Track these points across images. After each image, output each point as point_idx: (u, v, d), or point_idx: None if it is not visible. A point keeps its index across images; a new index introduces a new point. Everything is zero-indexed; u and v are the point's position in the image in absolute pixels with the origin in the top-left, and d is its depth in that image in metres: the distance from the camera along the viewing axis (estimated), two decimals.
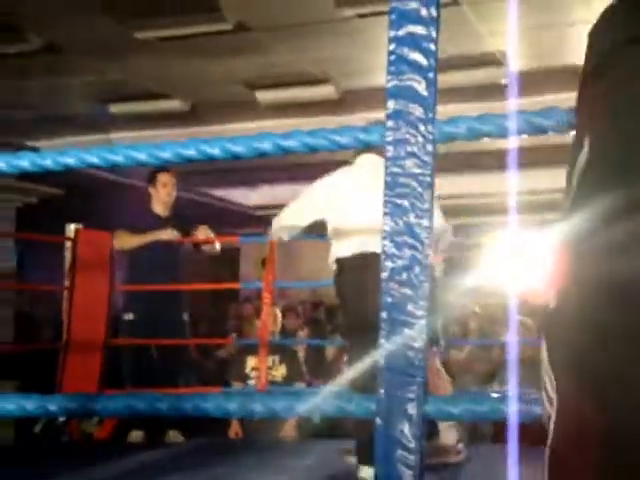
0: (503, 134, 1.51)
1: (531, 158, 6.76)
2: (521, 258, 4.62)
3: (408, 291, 0.96)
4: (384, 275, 0.97)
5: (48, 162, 1.63)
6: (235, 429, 5.67)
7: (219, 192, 9.99)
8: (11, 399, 1.50)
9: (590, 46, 0.83)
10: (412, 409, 0.95)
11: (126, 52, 5.62)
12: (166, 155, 1.59)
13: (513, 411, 1.15)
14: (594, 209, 0.72)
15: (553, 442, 0.75)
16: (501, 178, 6.82)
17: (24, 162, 1.63)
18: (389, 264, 0.97)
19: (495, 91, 6.04)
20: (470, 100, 6.22)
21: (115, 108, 6.82)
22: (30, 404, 1.47)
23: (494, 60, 5.87)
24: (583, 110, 0.80)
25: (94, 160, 1.62)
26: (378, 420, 0.96)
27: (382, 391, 0.96)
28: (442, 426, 3.88)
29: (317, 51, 5.70)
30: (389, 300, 0.97)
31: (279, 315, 5.84)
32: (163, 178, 5.11)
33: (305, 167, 6.59)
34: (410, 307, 0.96)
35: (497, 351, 6.22)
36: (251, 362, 5.85)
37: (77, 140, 7.53)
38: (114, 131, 7.37)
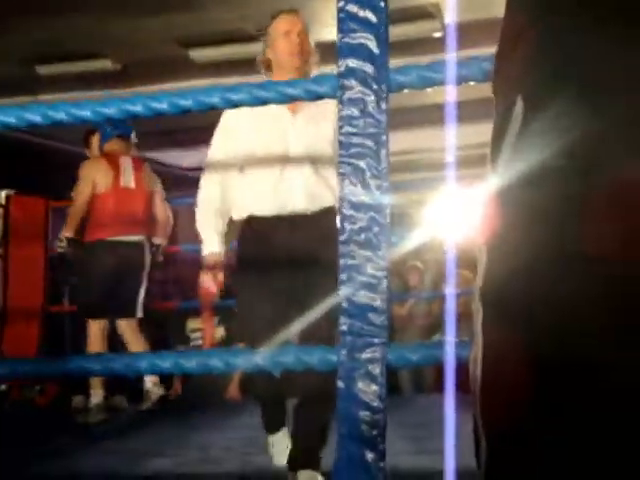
0: (454, 82, 1.50)
1: (468, 112, 6.80)
2: (459, 212, 4.69)
3: (367, 252, 0.95)
4: (342, 237, 0.97)
5: None
6: (176, 388, 5.69)
7: (152, 154, 9.82)
8: None
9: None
10: (375, 369, 0.95)
11: (53, 9, 5.42)
12: (85, 113, 1.54)
13: (449, 357, 1.17)
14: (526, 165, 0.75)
15: (483, 375, 0.78)
16: (438, 133, 6.85)
17: None
18: (347, 225, 0.97)
19: (428, 45, 6.03)
20: (403, 55, 6.21)
21: (43, 69, 6.59)
22: None
23: (427, 13, 5.85)
24: (511, 71, 0.80)
25: (10, 120, 1.55)
26: (340, 382, 0.96)
27: (344, 353, 0.96)
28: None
29: (251, 7, 5.60)
30: (349, 262, 0.96)
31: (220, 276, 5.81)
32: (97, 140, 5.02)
33: None
34: (370, 268, 0.95)
35: (438, 304, 6.33)
36: (191, 324, 5.84)
37: (2, 102, 7.27)
38: (42, 93, 7.13)
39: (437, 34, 6.09)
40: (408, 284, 6.69)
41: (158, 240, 4.74)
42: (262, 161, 2.81)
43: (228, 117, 2.88)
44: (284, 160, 2.79)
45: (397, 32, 5.99)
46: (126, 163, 4.56)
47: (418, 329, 6.42)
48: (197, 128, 4.63)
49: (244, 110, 2.81)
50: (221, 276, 2.91)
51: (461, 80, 1.48)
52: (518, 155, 0.76)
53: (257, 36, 6.33)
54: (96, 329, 4.48)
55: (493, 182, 0.80)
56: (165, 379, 5.21)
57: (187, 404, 5.35)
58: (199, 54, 6.38)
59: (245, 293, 2.86)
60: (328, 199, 2.75)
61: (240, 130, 2.81)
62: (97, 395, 4.51)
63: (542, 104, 0.75)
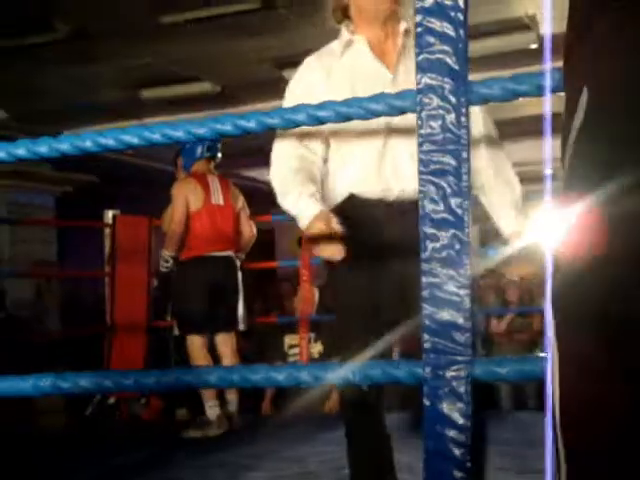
0: (539, 93, 1.47)
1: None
2: (556, 225, 4.58)
3: (450, 270, 0.95)
4: (424, 255, 0.97)
5: (65, 147, 1.61)
6: (266, 407, 5.75)
7: (249, 173, 10.00)
8: (67, 377, 1.49)
9: None
10: (460, 387, 0.95)
11: (153, 36, 5.63)
12: (179, 134, 1.58)
13: (548, 372, 1.14)
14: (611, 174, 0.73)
15: (561, 388, 0.76)
16: (535, 145, 6.71)
17: (42, 148, 1.61)
18: (429, 243, 0.97)
19: (524, 57, 5.94)
20: (498, 67, 6.13)
21: (146, 93, 6.85)
22: (85, 381, 1.48)
23: (523, 25, 5.77)
24: (579, 62, 0.79)
25: (110, 142, 1.60)
26: (426, 400, 0.96)
27: (427, 370, 0.96)
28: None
29: None
30: (431, 280, 0.96)
31: (317, 293, 5.86)
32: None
33: None
34: (452, 286, 0.95)
35: (537, 320, 6.18)
36: (288, 340, 5.89)
37: (110, 127, 7.58)
38: (146, 117, 7.40)
39: (533, 45, 5.99)
40: (507, 299, 6.57)
41: (241, 256, 4.84)
42: (358, 134, 2.16)
43: (304, 76, 2.16)
44: (386, 131, 2.14)
45: (493, 44, 5.93)
46: (214, 182, 4.69)
47: (518, 344, 6.29)
48: None
49: (327, 66, 2.20)
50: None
51: (551, 91, 1.46)
52: (580, 146, 0.74)
53: None
54: (197, 344, 4.58)
55: (563, 178, 0.79)
56: (255, 396, 5.25)
57: (279, 418, 5.39)
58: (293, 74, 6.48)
59: (341, 297, 2.27)
60: None
61: (322, 94, 2.01)
62: (212, 407, 4.50)
63: (606, 97, 0.73)
